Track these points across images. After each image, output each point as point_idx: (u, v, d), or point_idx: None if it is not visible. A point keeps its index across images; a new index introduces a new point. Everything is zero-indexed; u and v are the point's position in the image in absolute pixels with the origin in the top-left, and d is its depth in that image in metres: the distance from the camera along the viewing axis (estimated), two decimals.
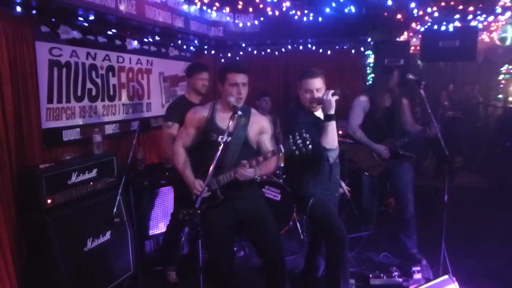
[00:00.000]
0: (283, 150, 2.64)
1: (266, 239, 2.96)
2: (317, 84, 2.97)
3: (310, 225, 3.51)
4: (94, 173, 3.42)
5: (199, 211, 2.71)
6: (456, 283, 2.68)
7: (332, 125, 2.87)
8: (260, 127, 2.93)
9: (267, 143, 2.96)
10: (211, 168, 2.49)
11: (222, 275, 2.94)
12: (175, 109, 3.68)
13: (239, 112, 2.64)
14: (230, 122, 2.60)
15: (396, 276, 3.65)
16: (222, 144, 2.53)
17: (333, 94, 2.81)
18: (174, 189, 4.01)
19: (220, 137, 2.69)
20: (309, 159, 2.87)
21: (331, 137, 2.88)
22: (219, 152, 2.49)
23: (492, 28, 7.01)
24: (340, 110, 2.98)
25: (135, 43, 4.60)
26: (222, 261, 2.93)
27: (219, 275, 2.94)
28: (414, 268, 3.69)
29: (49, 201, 3.00)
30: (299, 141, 2.57)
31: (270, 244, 2.96)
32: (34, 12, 3.26)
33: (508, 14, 5.81)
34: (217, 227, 2.84)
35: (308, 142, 2.57)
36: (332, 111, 2.83)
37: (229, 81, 2.76)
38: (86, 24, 3.82)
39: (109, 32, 4.17)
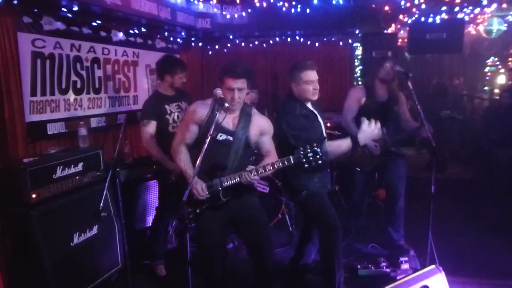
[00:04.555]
0: (292, 161, 2.62)
1: (258, 238, 2.93)
2: (316, 75, 3.09)
3: (303, 214, 3.51)
4: (80, 167, 3.38)
5: (198, 210, 2.73)
6: (443, 272, 2.71)
7: (347, 145, 2.96)
8: (261, 128, 2.88)
9: (268, 144, 2.92)
10: (197, 163, 2.47)
11: (214, 276, 2.92)
12: (151, 106, 3.62)
13: (226, 104, 2.62)
14: (218, 115, 2.58)
15: (384, 267, 3.69)
16: (214, 139, 2.50)
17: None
18: (158, 183, 3.98)
19: (220, 134, 2.68)
20: None
21: (337, 151, 3.01)
22: (205, 146, 2.46)
23: (478, 21, 7.06)
24: (330, 102, 3.01)
25: (121, 34, 4.55)
26: (215, 261, 2.90)
27: (211, 275, 2.92)
28: (402, 259, 3.74)
29: (33, 195, 2.95)
30: (309, 154, 2.57)
31: (261, 243, 2.94)
32: (15, 2, 3.20)
33: (494, 6, 5.85)
34: (210, 227, 2.81)
35: (318, 157, 2.58)
36: (363, 143, 2.92)
37: (225, 86, 2.69)
38: (70, 15, 3.76)
39: (94, 23, 4.12)
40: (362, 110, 4.03)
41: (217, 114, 2.57)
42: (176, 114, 3.66)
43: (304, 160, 2.59)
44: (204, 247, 2.90)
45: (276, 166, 2.68)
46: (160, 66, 3.73)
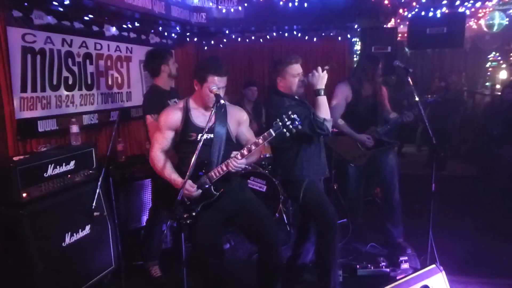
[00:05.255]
0: (273, 134, 2.61)
1: (260, 224, 2.93)
2: (301, 67, 3.19)
3: (301, 211, 3.52)
4: (71, 165, 3.35)
5: (194, 213, 2.73)
6: (443, 272, 2.71)
7: (324, 98, 3.04)
8: (238, 118, 2.91)
9: (247, 133, 2.96)
10: (190, 166, 2.48)
11: (211, 277, 2.91)
12: (154, 100, 3.57)
13: (222, 101, 2.61)
14: (213, 112, 2.58)
15: (384, 267, 3.69)
16: (202, 141, 2.51)
17: (323, 70, 3.02)
18: (152, 183, 3.96)
19: (200, 135, 2.66)
20: (307, 137, 3.09)
21: (325, 109, 3.04)
22: (198, 148, 2.47)
23: (479, 15, 7.06)
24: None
25: (114, 29, 4.52)
26: (212, 262, 2.89)
27: (208, 276, 2.91)
28: (402, 258, 3.73)
29: (24, 194, 2.92)
30: (288, 122, 2.57)
31: (264, 228, 2.94)
32: None
33: None
34: (206, 228, 2.80)
35: (297, 122, 2.58)
36: (323, 86, 3.03)
37: (209, 84, 2.69)
38: (61, 9, 3.72)
39: (86, 18, 4.08)
40: (350, 107, 4.05)
41: (213, 111, 2.58)
42: None
43: (285, 129, 2.59)
44: (201, 248, 2.88)
45: (259, 143, 2.67)
46: (151, 62, 3.69)
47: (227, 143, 2.81)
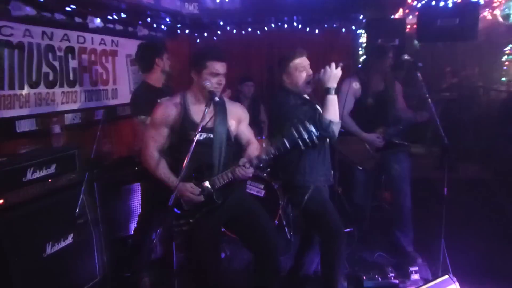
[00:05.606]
0: (288, 146, 2.61)
1: (258, 229, 2.94)
2: (307, 59, 3.16)
3: (303, 218, 3.51)
4: (53, 168, 3.33)
5: (191, 220, 2.72)
6: (457, 283, 2.71)
7: (334, 98, 2.97)
8: (238, 116, 2.92)
9: (248, 132, 2.98)
10: (183, 167, 2.47)
11: (211, 286, 2.90)
12: (144, 100, 3.55)
13: (217, 98, 2.60)
14: (207, 110, 2.56)
15: (392, 278, 3.68)
16: (195, 142, 2.50)
17: (337, 66, 2.95)
18: (141, 187, 3.94)
19: (198, 134, 2.65)
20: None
21: (334, 110, 2.98)
22: (190, 150, 2.46)
23: (494, 4, 7.05)
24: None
25: (98, 21, 4.50)
26: (211, 270, 2.88)
27: (207, 284, 2.91)
28: (412, 269, 3.73)
29: (0, 201, 2.90)
30: (305, 136, 2.57)
31: (264, 232, 2.95)
32: None
33: None
34: (205, 236, 2.80)
35: (314, 135, 2.58)
36: (335, 84, 2.97)
37: (210, 70, 2.70)
38: None
39: (68, 9, 4.07)
40: (358, 103, 4.04)
41: (206, 110, 2.56)
42: None
43: (300, 141, 2.58)
44: (200, 256, 2.87)
45: (271, 153, 2.67)
46: (145, 55, 3.71)
47: (228, 143, 2.81)
